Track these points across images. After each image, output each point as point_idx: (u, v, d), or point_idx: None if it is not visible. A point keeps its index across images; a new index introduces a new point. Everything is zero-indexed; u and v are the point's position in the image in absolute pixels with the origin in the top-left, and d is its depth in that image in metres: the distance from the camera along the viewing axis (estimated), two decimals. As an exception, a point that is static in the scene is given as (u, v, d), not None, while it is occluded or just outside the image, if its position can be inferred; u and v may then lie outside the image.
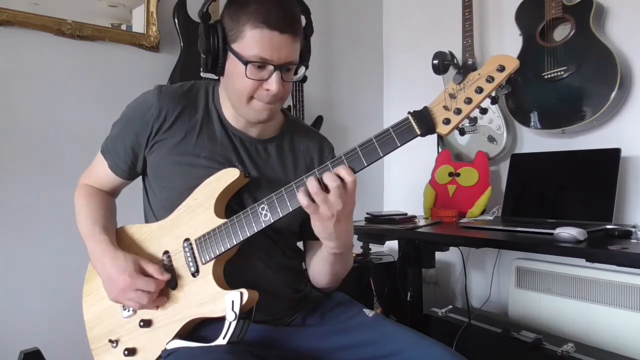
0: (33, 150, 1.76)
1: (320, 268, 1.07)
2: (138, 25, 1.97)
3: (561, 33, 1.84)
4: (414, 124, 0.85)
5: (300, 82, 1.03)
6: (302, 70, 1.00)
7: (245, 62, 0.92)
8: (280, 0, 0.93)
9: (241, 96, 0.97)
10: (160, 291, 0.99)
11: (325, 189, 0.87)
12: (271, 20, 0.90)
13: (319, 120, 2.34)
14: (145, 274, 0.98)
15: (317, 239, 1.09)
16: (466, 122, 0.87)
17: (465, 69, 0.84)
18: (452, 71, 2.02)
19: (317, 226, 0.91)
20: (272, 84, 0.94)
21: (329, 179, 0.86)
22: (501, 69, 0.84)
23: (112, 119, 1.10)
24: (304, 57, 1.02)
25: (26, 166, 1.75)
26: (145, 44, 1.97)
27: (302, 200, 0.87)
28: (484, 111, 0.88)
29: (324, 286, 1.12)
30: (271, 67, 0.93)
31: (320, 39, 2.53)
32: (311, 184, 0.87)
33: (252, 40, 0.91)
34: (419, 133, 0.86)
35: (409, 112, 0.86)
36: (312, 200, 0.87)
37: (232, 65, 0.96)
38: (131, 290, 0.96)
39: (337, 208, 0.87)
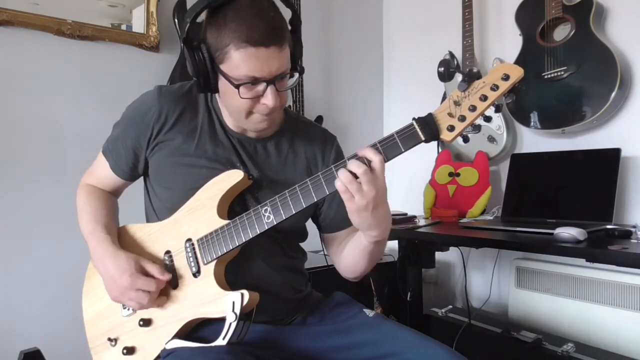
0: (33, 150, 1.76)
1: (357, 258, 1.03)
2: (138, 25, 1.97)
3: (561, 33, 1.84)
4: (418, 130, 0.85)
5: (299, 74, 1.01)
6: (296, 75, 0.98)
7: (237, 86, 0.91)
8: (259, 11, 0.89)
9: (240, 113, 0.97)
10: (161, 291, 0.99)
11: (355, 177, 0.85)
12: (254, 36, 0.87)
13: (319, 120, 2.35)
14: (146, 273, 0.98)
15: (341, 229, 1.09)
16: (469, 129, 0.88)
17: (470, 77, 0.84)
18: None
19: (354, 218, 0.89)
20: (269, 99, 0.93)
21: (353, 165, 0.85)
22: (506, 77, 0.84)
23: (112, 118, 1.10)
24: (296, 53, 0.98)
25: (26, 166, 1.75)
26: (145, 44, 1.97)
27: (340, 187, 0.85)
28: (487, 119, 0.88)
29: (359, 275, 1.08)
30: (264, 83, 0.92)
31: (320, 39, 2.53)
32: (343, 174, 0.85)
33: (239, 60, 0.89)
34: (423, 139, 0.86)
35: (414, 118, 0.87)
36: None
37: (225, 84, 0.94)
38: (132, 290, 0.96)
39: (370, 195, 0.84)
